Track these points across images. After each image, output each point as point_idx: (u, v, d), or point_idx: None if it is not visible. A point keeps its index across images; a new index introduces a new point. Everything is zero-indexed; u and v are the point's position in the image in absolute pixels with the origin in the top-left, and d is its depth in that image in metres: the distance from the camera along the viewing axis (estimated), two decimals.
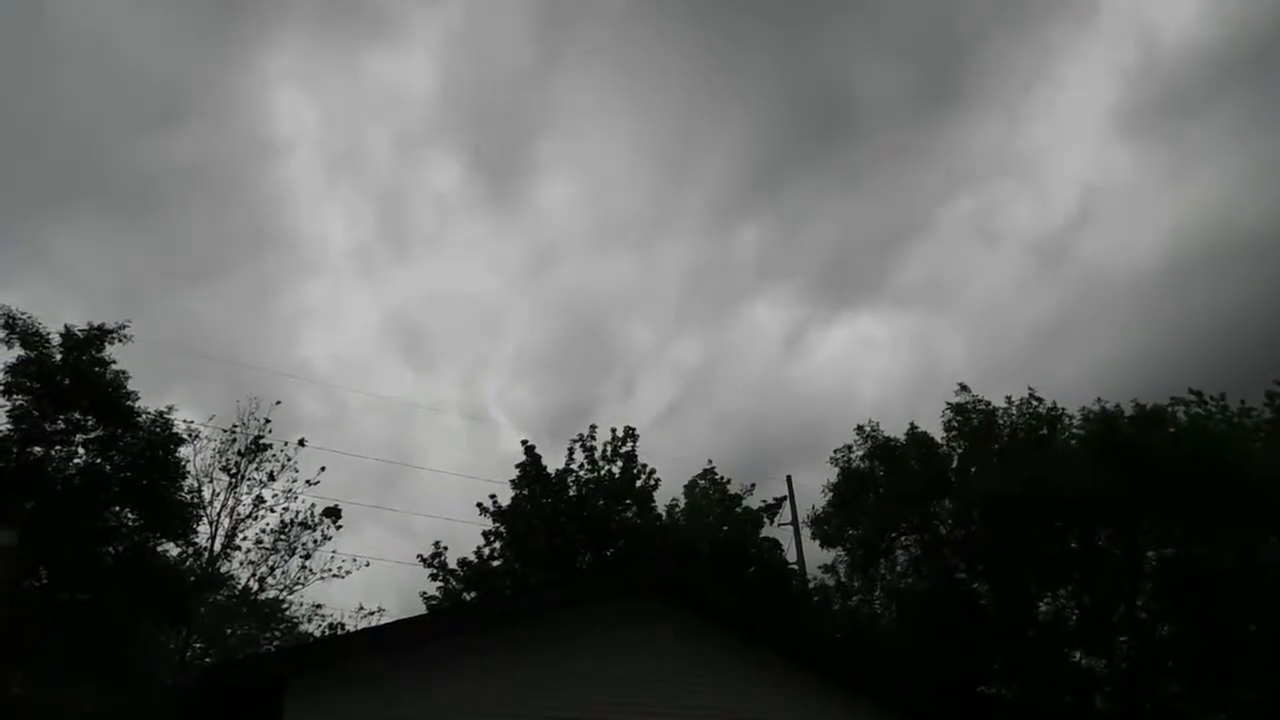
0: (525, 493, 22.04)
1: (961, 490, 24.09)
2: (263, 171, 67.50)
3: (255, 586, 22.69)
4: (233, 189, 62.97)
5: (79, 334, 18.37)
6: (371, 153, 70.87)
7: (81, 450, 18.25)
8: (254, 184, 65.58)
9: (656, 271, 73.19)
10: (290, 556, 22.74)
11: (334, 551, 23.10)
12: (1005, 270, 69.08)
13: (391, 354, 72.54)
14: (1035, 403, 25.38)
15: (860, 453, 26.83)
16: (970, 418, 25.62)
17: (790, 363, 70.99)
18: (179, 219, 61.25)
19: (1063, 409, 25.13)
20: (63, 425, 17.94)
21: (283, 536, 22.64)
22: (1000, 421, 25.37)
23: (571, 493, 21.98)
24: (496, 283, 73.20)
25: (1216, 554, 21.09)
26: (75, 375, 17.94)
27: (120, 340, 18.63)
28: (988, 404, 25.69)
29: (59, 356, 18.18)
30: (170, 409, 19.16)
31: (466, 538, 20.90)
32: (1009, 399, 25.61)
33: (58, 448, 17.95)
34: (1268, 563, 21.07)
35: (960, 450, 25.65)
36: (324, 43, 63.99)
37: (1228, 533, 20.92)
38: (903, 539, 25.92)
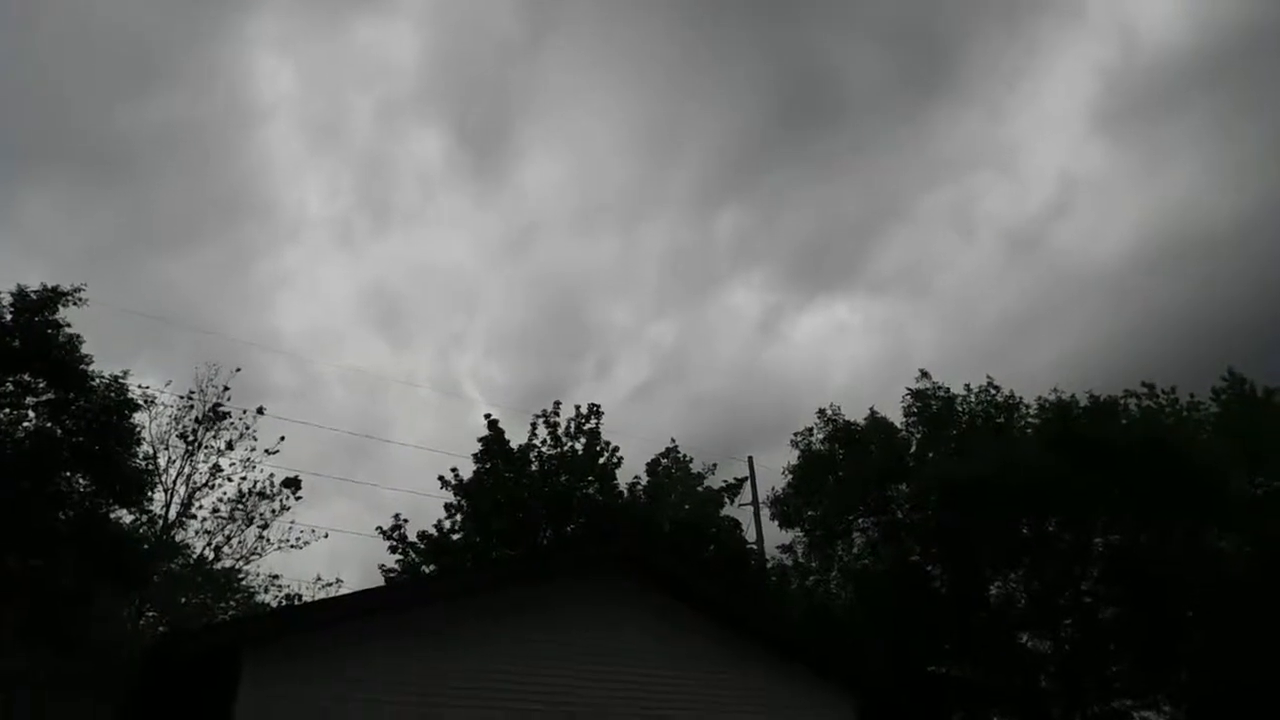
0: (488, 467, 21.99)
1: (919, 475, 24.50)
2: (241, 137, 66.00)
3: (211, 556, 22.41)
4: (210, 154, 61.56)
5: (32, 295, 17.85)
6: (353, 122, 69.66)
7: (32, 414, 17.79)
8: (232, 150, 64.15)
9: (635, 253, 73.21)
10: (247, 526, 22.47)
11: (292, 522, 22.86)
12: (979, 260, 70.24)
13: (366, 326, 71.82)
14: (993, 391, 25.87)
15: (821, 436, 27.17)
16: (930, 404, 26.03)
17: (764, 346, 71.54)
18: (153, 184, 59.81)
19: (1020, 398, 25.67)
20: (11, 388, 17.47)
21: (240, 506, 22.35)
22: (959, 409, 25.82)
23: (534, 468, 21.97)
24: (475, 258, 72.64)
25: (1161, 542, 21.76)
26: (26, 337, 17.45)
27: (75, 303, 18.13)
28: (947, 391, 26.13)
29: (9, 317, 17.66)
30: (125, 374, 18.73)
31: (433, 511, 21.07)
32: (968, 387, 26.09)
33: (7, 410, 17.48)
34: (1208, 551, 21.81)
35: (919, 436, 26.08)
36: (309, 7, 62.46)
37: (1172, 521, 21.58)
38: (860, 521, 26.33)
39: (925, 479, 23.85)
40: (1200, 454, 21.39)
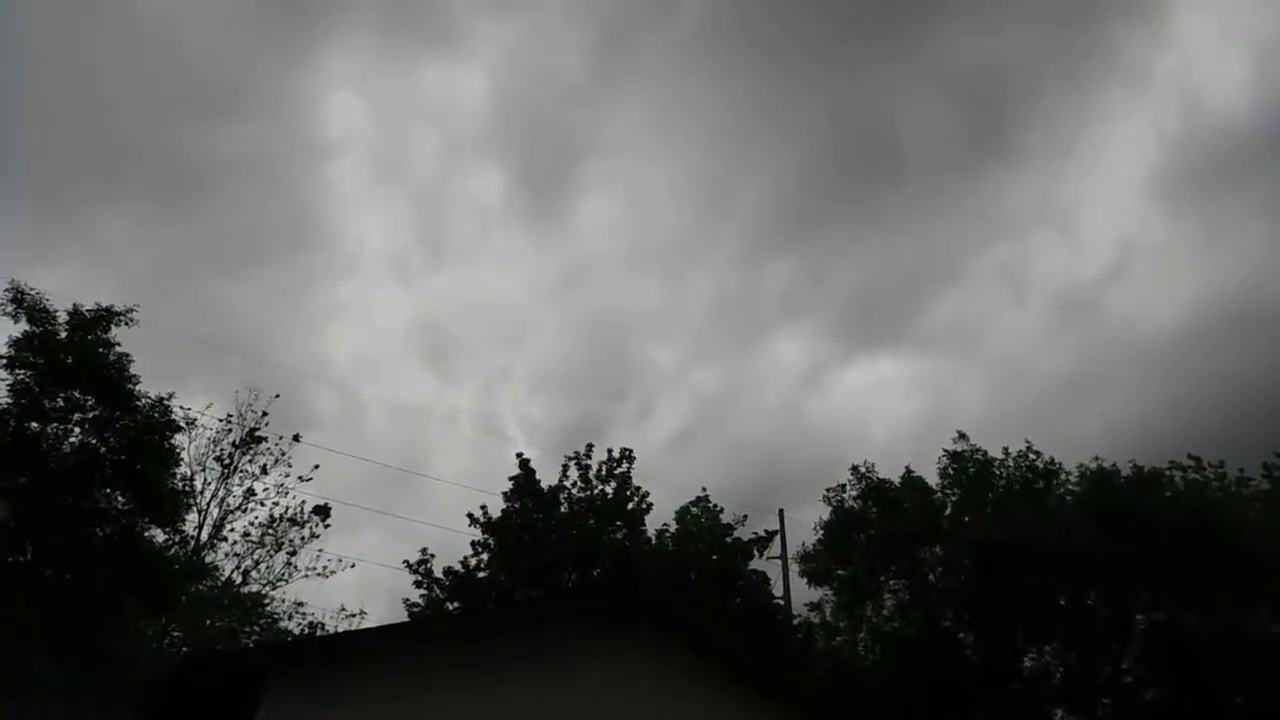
0: (516, 506, 21.96)
1: (953, 538, 23.98)
2: (309, 169, 68.25)
3: (239, 579, 22.58)
4: (279, 184, 63.68)
5: (86, 313, 18.42)
6: (418, 159, 71.73)
7: (77, 429, 18.22)
8: (300, 180, 66.31)
9: (683, 298, 73.65)
10: (276, 552, 22.64)
11: (320, 550, 22.99)
12: (1029, 321, 69.46)
13: (414, 358, 72.92)
14: (1033, 456, 25.34)
15: (854, 493, 26.76)
16: (967, 466, 25.57)
17: (806, 398, 71.02)
18: (224, 209, 61.87)
19: (1059, 464, 25.10)
20: (62, 403, 17.93)
21: (270, 531, 22.55)
22: (996, 472, 25.32)
23: (563, 510, 21.90)
24: (526, 296, 73.72)
25: (1206, 622, 20.94)
26: (78, 354, 17.96)
27: (126, 323, 18.68)
28: (985, 453, 25.66)
29: (64, 334, 18.22)
30: (170, 395, 19.15)
31: (464, 547, 21.03)
32: (1006, 450, 25.59)
33: (54, 425, 17.93)
34: (1258, 634, 20.92)
35: (954, 498, 25.57)
36: (385, 48, 64.94)
37: (1218, 601, 20.79)
38: (891, 582, 25.76)
39: (960, 542, 23.33)
40: (1249, 532, 20.66)
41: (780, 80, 65.98)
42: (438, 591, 21.12)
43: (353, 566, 23.58)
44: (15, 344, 17.82)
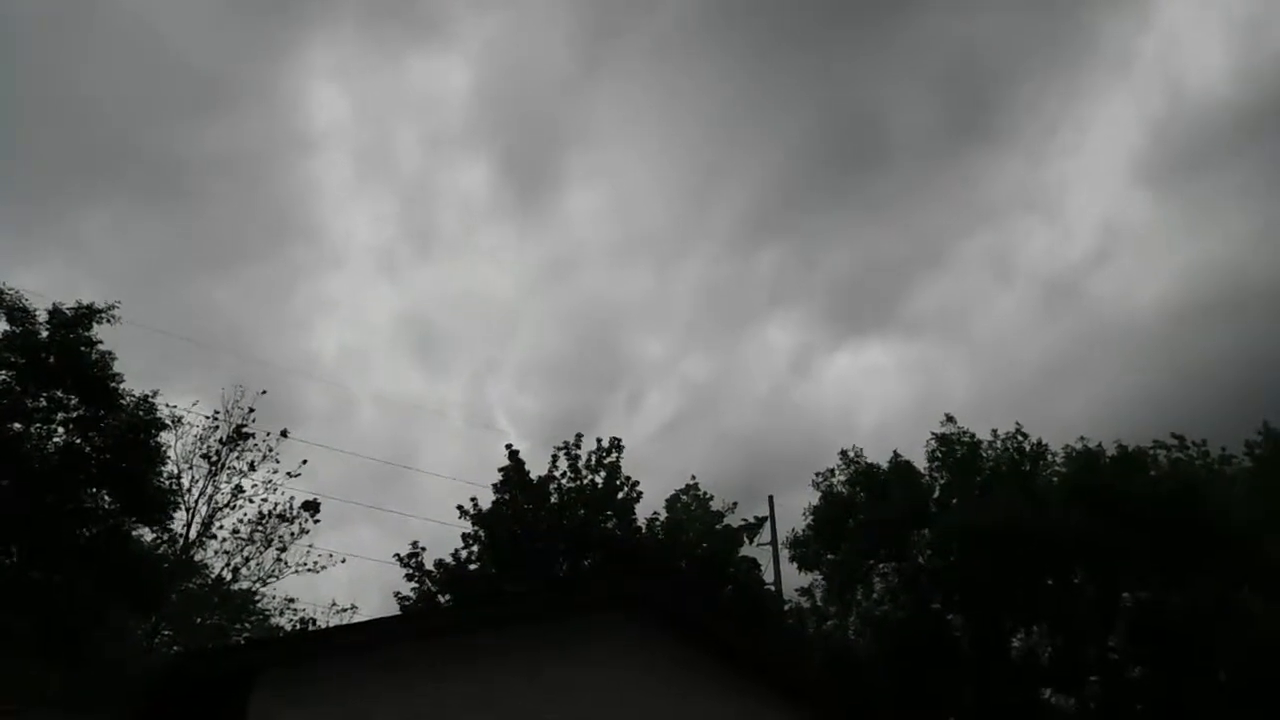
0: (506, 498, 21.94)
1: (941, 521, 24.13)
2: (293, 164, 67.81)
3: (228, 576, 22.49)
4: (262, 180, 63.22)
5: (67, 312, 18.23)
6: (402, 152, 71.37)
7: (61, 429, 18.06)
8: (284, 176, 65.85)
9: (672, 288, 73.68)
10: (266, 548, 22.55)
11: (310, 546, 22.92)
12: (1015, 305, 69.95)
13: (403, 352, 72.67)
14: (1020, 438, 25.49)
15: (842, 477, 26.88)
16: (954, 449, 25.70)
17: (795, 385, 71.26)
18: (208, 206, 61.38)
19: (1046, 445, 25.27)
20: (44, 402, 17.76)
21: (259, 527, 22.45)
22: (984, 455, 25.46)
23: (553, 500, 21.90)
24: (514, 288, 73.53)
25: (1191, 600, 21.20)
26: (60, 353, 17.78)
27: (108, 321, 18.49)
28: (972, 436, 25.79)
29: (44, 333, 18.03)
30: (154, 393, 19.00)
31: (454, 540, 20.98)
32: (994, 432, 25.72)
33: (38, 425, 17.76)
34: (1241, 611, 21.20)
35: (942, 481, 25.72)
36: (368, 40, 64.43)
37: (1203, 579, 21.03)
38: (880, 566, 25.92)
39: (948, 526, 23.48)
40: (1233, 510, 20.90)
41: (765, 69, 66.09)
42: (429, 584, 21.11)
43: (343, 561, 23.58)
44: None
